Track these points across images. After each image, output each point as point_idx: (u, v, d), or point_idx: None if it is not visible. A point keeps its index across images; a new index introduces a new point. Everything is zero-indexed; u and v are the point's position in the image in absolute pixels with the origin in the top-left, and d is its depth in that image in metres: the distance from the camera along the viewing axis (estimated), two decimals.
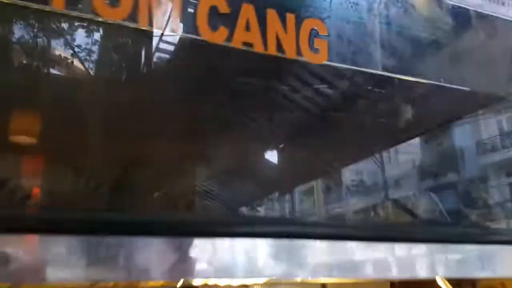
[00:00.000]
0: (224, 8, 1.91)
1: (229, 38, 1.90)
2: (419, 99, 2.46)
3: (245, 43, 1.93)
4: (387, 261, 1.68)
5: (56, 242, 1.23)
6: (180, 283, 1.39)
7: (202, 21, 1.86)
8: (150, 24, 1.80)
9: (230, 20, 1.91)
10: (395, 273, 1.69)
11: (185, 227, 1.45)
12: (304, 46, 2.02)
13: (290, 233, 1.54)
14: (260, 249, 1.50)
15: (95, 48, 2.65)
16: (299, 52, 2.00)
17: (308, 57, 2.03)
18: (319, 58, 2.06)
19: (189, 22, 1.88)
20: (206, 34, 1.87)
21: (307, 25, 2.05)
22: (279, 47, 1.98)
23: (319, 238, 1.55)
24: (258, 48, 1.95)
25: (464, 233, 1.97)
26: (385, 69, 2.34)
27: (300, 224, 1.96)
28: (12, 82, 2.32)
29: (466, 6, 2.27)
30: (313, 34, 2.05)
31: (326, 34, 2.10)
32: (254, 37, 1.94)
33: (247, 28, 1.94)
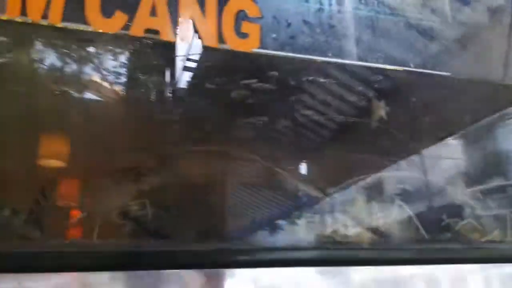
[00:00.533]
0: None
1: (128, 25, 1.55)
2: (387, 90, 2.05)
3: (148, 30, 1.59)
4: None
5: None
6: None
7: (91, 7, 1.52)
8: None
9: (130, 4, 1.58)
10: None
11: None
12: (227, 31, 1.66)
13: None
14: None
15: None
16: (221, 39, 1.64)
17: (233, 44, 1.66)
18: (248, 44, 1.69)
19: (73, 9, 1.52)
20: (96, 22, 1.53)
21: (232, 6, 1.70)
22: (195, 33, 1.64)
23: None
24: (165, 35, 1.60)
25: None
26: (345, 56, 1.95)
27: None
28: None
29: None
30: (241, 17, 1.70)
31: (259, 16, 1.73)
32: (161, 22, 1.60)
33: (153, 12, 1.60)
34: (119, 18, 1.56)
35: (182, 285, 1.30)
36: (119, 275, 1.25)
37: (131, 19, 1.57)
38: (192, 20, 1.64)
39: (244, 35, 1.68)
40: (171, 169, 1.79)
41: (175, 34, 1.62)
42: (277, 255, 1.50)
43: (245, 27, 1.69)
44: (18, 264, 1.18)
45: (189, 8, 1.64)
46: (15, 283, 1.14)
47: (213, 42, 1.66)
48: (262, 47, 1.70)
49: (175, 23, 1.61)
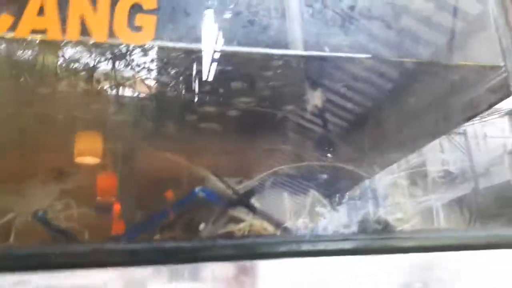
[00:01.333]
0: None
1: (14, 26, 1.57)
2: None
3: (35, 31, 1.60)
4: None
5: None
6: None
7: None
8: None
9: (18, 4, 1.59)
10: None
11: None
12: (119, 25, 1.64)
13: None
14: None
15: None
16: (112, 34, 1.63)
17: (125, 38, 1.65)
18: (142, 37, 1.67)
19: None
20: None
21: (126, 0, 1.68)
22: (85, 30, 1.63)
23: None
24: (54, 34, 1.61)
25: None
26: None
27: None
28: None
29: None
30: (135, 10, 1.67)
31: (155, 8, 1.70)
32: (49, 22, 1.60)
33: (41, 12, 1.61)
34: (4, 20, 1.57)
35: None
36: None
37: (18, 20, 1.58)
38: (82, 17, 1.64)
39: (138, 28, 1.66)
40: None
41: (63, 32, 1.62)
42: None
43: (140, 19, 1.67)
44: None
45: (79, 5, 1.64)
46: None
47: (103, 37, 1.65)
48: (157, 38, 1.68)
49: (64, 21, 1.61)
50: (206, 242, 1.47)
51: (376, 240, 1.60)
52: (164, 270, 1.33)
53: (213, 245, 1.47)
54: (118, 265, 1.32)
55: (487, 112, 2.15)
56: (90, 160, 2.39)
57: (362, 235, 1.63)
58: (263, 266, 1.38)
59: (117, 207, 2.21)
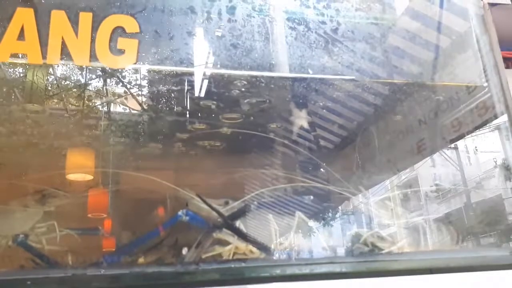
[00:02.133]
0: None
1: None
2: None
3: (15, 55, 1.59)
4: None
5: None
6: None
7: None
8: None
9: None
10: None
11: None
12: (101, 49, 1.64)
13: None
14: None
15: None
16: (94, 57, 1.63)
17: (105, 61, 1.65)
18: (124, 61, 1.67)
19: None
20: None
21: (109, 23, 1.68)
22: (66, 54, 1.63)
23: None
24: (33, 59, 1.60)
25: None
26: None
27: None
28: None
29: None
30: (117, 34, 1.68)
31: (137, 31, 1.70)
32: (29, 46, 1.59)
33: (21, 36, 1.60)
34: None
35: None
36: None
37: None
38: (63, 41, 1.64)
39: (119, 52, 1.67)
40: None
41: (44, 56, 1.61)
42: None
43: (122, 43, 1.67)
44: None
45: (60, 30, 1.64)
46: None
47: (84, 61, 1.65)
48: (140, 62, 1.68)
49: (45, 46, 1.61)
50: (189, 266, 1.44)
51: (362, 263, 1.59)
52: None
53: (196, 270, 1.45)
54: None
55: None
56: (77, 177, 2.36)
57: (348, 258, 1.62)
58: None
59: (107, 223, 2.18)
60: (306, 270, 1.52)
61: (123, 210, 2.01)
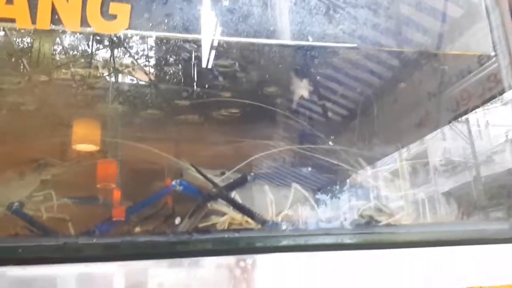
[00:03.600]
0: None
1: None
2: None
3: (3, 20, 1.56)
4: None
5: None
6: None
7: None
8: None
9: None
10: None
11: None
12: (92, 14, 1.60)
13: None
14: None
15: None
16: (84, 22, 1.59)
17: (97, 27, 1.61)
18: (116, 26, 1.63)
19: None
20: None
21: None
22: (56, 19, 1.59)
23: None
24: (23, 23, 1.57)
25: None
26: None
27: None
28: None
29: None
30: None
31: None
32: (18, 10, 1.56)
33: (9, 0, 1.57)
34: None
35: None
36: None
37: None
38: (53, 5, 1.60)
39: (111, 17, 1.63)
40: None
41: (33, 21, 1.58)
42: None
43: (114, 8, 1.63)
44: None
45: None
46: None
47: (75, 26, 1.61)
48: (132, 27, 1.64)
49: (34, 10, 1.57)
50: (181, 236, 1.44)
51: (358, 235, 1.58)
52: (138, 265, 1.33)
53: (189, 240, 1.45)
54: (91, 260, 1.33)
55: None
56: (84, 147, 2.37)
57: (344, 230, 1.61)
58: (241, 261, 1.37)
59: (117, 193, 2.19)
60: (300, 241, 1.52)
61: (123, 180, 2.01)
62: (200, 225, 1.69)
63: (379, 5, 1.91)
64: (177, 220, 1.50)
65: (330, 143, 2.02)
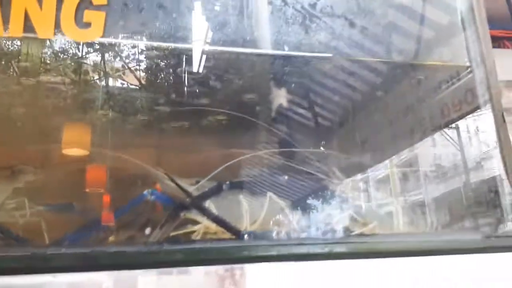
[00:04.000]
0: None
1: None
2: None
3: None
4: None
5: None
6: None
7: None
8: None
9: None
10: None
11: None
12: (66, 21, 1.60)
13: None
14: None
15: None
16: (58, 30, 1.59)
17: (71, 34, 1.61)
18: (90, 34, 1.63)
19: None
20: None
21: None
22: (29, 26, 1.59)
23: None
24: None
25: None
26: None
27: None
28: None
29: None
30: (83, 6, 1.63)
31: (104, 4, 1.66)
32: None
33: None
34: None
35: None
36: None
37: None
38: (26, 12, 1.59)
39: (86, 25, 1.63)
40: None
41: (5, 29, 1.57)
42: None
43: (88, 16, 1.63)
44: None
45: (23, 1, 1.59)
46: None
47: (48, 34, 1.61)
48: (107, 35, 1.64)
49: (6, 17, 1.56)
50: (152, 246, 1.44)
51: (330, 244, 1.58)
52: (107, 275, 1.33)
53: (160, 250, 1.44)
54: (60, 271, 1.32)
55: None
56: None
57: (317, 240, 1.62)
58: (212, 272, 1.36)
59: (106, 198, 2.17)
60: (273, 251, 1.52)
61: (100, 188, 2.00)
62: (174, 235, 1.68)
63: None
64: (148, 230, 1.50)
65: (310, 150, 2.03)
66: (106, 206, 2.10)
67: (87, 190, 2.28)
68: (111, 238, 1.68)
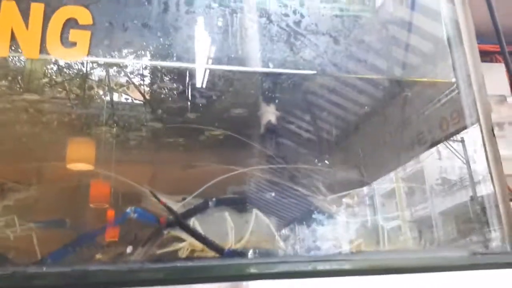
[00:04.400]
0: None
1: None
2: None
3: None
4: None
5: None
6: None
7: None
8: None
9: None
10: None
11: None
12: (52, 41, 1.62)
13: None
14: None
15: None
16: (43, 50, 1.61)
17: (57, 54, 1.63)
18: (76, 53, 1.65)
19: None
20: None
21: (61, 15, 1.66)
22: (15, 46, 1.61)
23: None
24: None
25: None
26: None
27: None
28: None
29: None
30: (70, 25, 1.66)
31: (90, 23, 1.68)
32: None
33: None
34: None
35: None
36: None
37: None
38: (12, 32, 1.62)
39: (71, 44, 1.65)
40: None
41: None
42: None
43: (74, 35, 1.65)
44: None
45: (9, 20, 1.62)
46: None
47: (34, 54, 1.63)
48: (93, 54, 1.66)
49: None
50: (133, 265, 1.43)
51: (312, 262, 1.57)
52: None
53: (140, 269, 1.44)
54: None
55: None
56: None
57: (298, 258, 1.61)
58: None
59: (110, 213, 2.16)
60: (254, 270, 1.51)
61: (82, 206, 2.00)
62: (159, 252, 1.68)
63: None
64: (129, 249, 1.50)
65: (297, 168, 2.03)
66: (111, 221, 2.10)
67: (91, 205, 2.28)
68: (98, 256, 1.68)
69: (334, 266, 1.52)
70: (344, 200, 1.87)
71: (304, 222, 1.76)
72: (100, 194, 2.31)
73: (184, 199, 1.78)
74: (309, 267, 1.51)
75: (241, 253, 1.66)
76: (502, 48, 2.02)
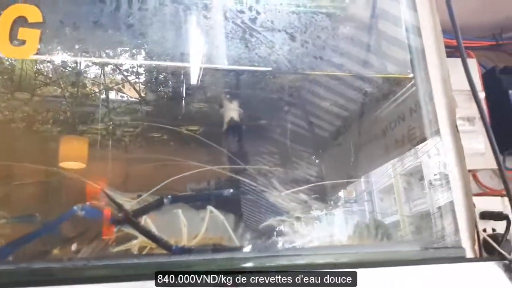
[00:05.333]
0: None
1: None
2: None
3: None
4: None
5: None
6: None
7: None
8: None
9: None
10: None
11: None
12: (1, 39, 1.63)
13: None
14: None
15: None
16: None
17: (6, 52, 1.64)
18: (25, 51, 1.66)
19: None
20: None
21: (10, 13, 1.67)
22: None
23: None
24: None
25: None
26: None
27: None
28: None
29: None
30: (19, 23, 1.66)
31: (40, 21, 1.69)
32: None
33: None
34: None
35: None
36: None
37: None
38: None
39: (20, 42, 1.65)
40: None
41: None
42: None
43: (23, 33, 1.66)
44: None
45: None
46: None
47: None
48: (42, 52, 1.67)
49: None
50: (78, 262, 1.44)
51: (265, 258, 1.58)
52: None
53: (85, 266, 1.44)
54: None
55: None
56: None
57: (253, 253, 1.62)
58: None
59: (107, 211, 2.16)
60: (202, 268, 1.52)
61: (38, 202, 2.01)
62: (114, 250, 1.69)
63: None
64: (74, 246, 1.51)
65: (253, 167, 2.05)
66: (107, 220, 2.11)
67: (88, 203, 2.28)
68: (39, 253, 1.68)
69: (285, 261, 1.52)
70: (301, 196, 1.89)
71: (259, 218, 1.78)
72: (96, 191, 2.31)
73: (139, 196, 1.80)
74: (258, 263, 1.52)
75: (189, 250, 1.67)
76: (459, 45, 2.03)
